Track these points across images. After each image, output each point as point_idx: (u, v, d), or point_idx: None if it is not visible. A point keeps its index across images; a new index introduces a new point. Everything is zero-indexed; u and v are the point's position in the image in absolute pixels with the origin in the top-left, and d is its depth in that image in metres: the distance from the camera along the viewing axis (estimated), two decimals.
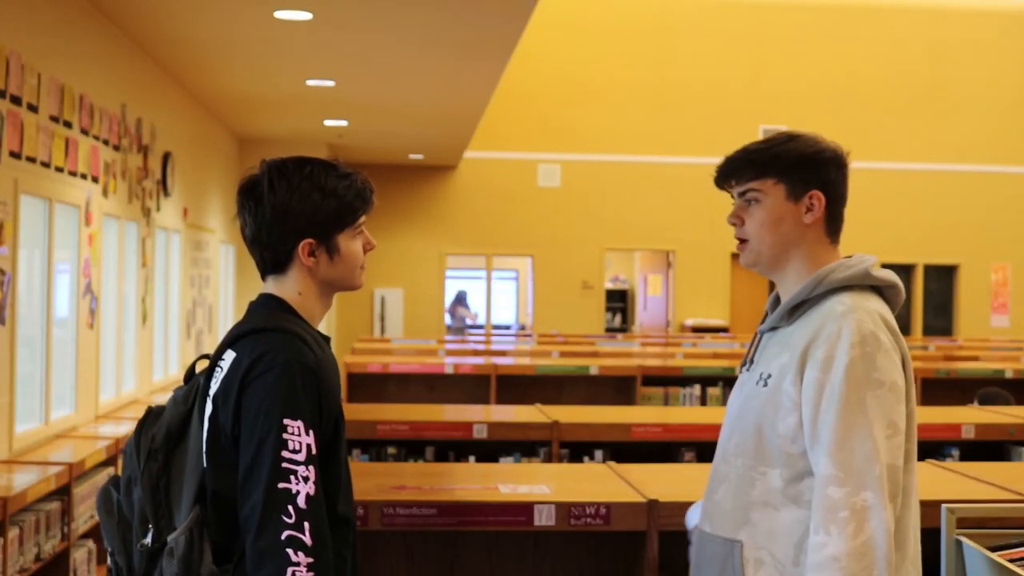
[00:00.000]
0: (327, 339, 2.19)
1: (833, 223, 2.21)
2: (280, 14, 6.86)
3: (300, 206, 2.09)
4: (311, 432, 1.97)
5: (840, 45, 15.95)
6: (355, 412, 4.64)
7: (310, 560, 1.91)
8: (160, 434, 2.10)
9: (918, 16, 16.10)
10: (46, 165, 5.81)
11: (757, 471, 2.10)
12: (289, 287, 2.14)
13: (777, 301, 2.26)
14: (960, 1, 16.17)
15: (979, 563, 2.21)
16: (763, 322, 2.26)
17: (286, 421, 1.96)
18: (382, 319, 15.70)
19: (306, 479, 1.94)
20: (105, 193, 6.99)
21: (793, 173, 2.16)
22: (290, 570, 1.90)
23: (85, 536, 5.46)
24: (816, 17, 15.92)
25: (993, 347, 11.42)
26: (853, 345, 2.03)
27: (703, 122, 15.80)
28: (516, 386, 6.46)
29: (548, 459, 4.35)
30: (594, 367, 6.51)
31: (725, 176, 2.23)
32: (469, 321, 16.80)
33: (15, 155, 5.35)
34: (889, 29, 16.05)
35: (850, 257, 2.20)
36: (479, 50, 7.98)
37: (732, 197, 2.23)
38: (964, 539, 2.28)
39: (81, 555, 5.32)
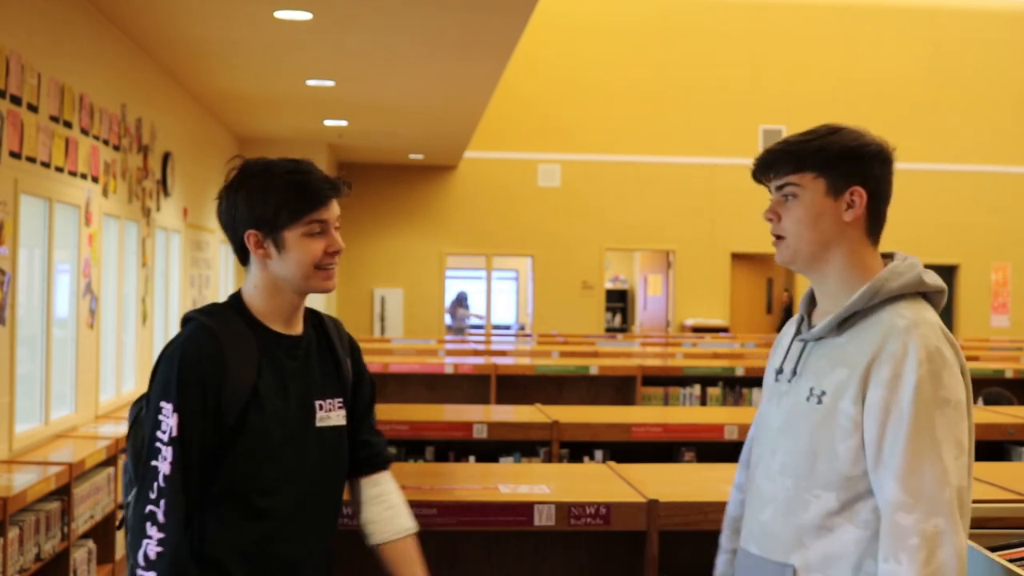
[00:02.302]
0: (291, 338, 2.22)
1: (875, 222, 2.11)
2: (280, 14, 6.86)
3: (248, 197, 2.18)
4: (175, 415, 2.08)
5: (840, 45, 15.95)
6: None
7: (160, 536, 2.05)
8: (145, 405, 2.23)
9: (918, 16, 16.10)
10: (46, 165, 5.81)
11: (811, 493, 2.00)
12: (249, 281, 2.26)
13: (811, 301, 2.16)
14: (961, 1, 16.17)
15: (979, 563, 2.21)
16: (800, 328, 2.15)
17: (161, 403, 2.11)
18: (382, 319, 15.70)
19: (165, 459, 2.07)
20: (105, 193, 6.99)
21: (834, 167, 2.06)
22: (144, 542, 2.05)
23: (85, 536, 5.46)
24: (816, 17, 15.93)
25: (993, 347, 11.43)
26: (920, 363, 1.93)
27: (703, 122, 15.80)
28: (516, 386, 6.46)
29: (548, 459, 4.35)
30: (594, 367, 6.50)
31: (763, 169, 2.12)
32: (474, 320, 16.79)
33: (15, 155, 5.35)
34: (889, 29, 16.05)
35: (891, 257, 2.12)
36: (479, 50, 7.98)
37: (770, 191, 2.13)
38: None
39: (81, 555, 5.32)
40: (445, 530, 2.82)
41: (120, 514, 2.40)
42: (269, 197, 2.16)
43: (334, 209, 2.20)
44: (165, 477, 2.06)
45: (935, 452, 1.91)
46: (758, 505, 2.10)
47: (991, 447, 4.54)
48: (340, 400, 2.28)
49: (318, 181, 2.18)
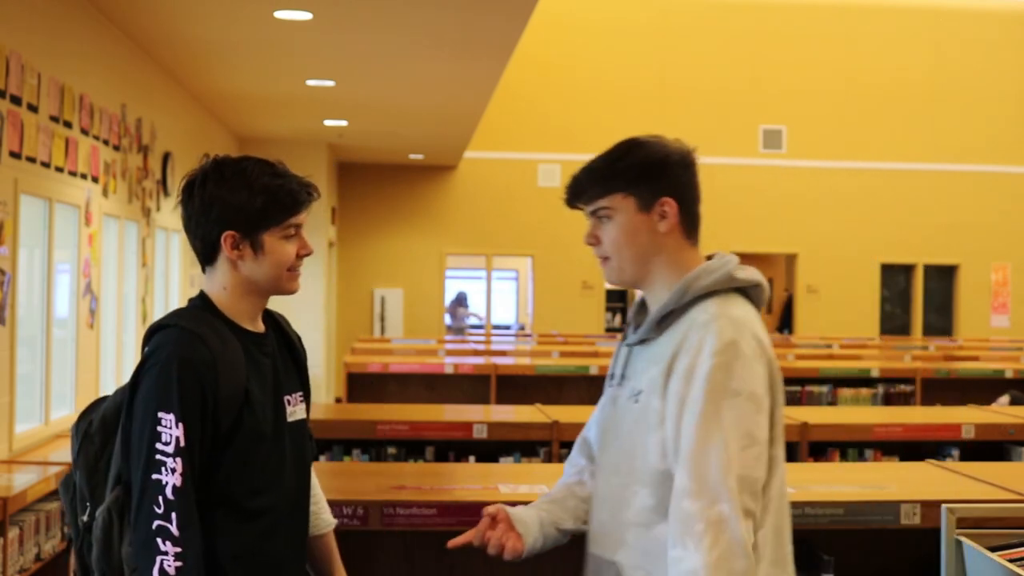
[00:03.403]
0: (260, 336, 2.22)
1: (690, 224, 2.15)
2: (280, 14, 6.86)
3: (227, 198, 2.16)
4: (180, 425, 2.03)
5: (840, 45, 15.95)
6: (355, 412, 4.65)
7: (177, 550, 1.99)
8: (96, 419, 2.19)
9: (919, 16, 16.09)
10: (46, 165, 5.81)
11: (631, 490, 2.07)
12: (216, 281, 2.22)
13: (642, 309, 2.22)
14: (961, 1, 16.17)
15: (979, 563, 2.21)
16: (626, 335, 2.22)
17: (160, 414, 2.04)
18: (382, 319, 15.69)
19: (173, 471, 2.01)
20: (105, 193, 6.99)
21: (640, 184, 2.11)
22: (159, 559, 1.98)
23: None
24: (816, 17, 15.92)
25: (993, 347, 11.42)
26: (714, 354, 1.98)
27: (703, 122, 15.79)
28: (516, 386, 6.46)
29: (548, 459, 4.35)
30: (594, 367, 6.50)
31: (574, 197, 2.17)
32: (473, 320, 16.79)
33: (15, 155, 5.35)
34: (890, 29, 16.05)
35: (711, 258, 2.16)
36: (479, 50, 7.99)
37: (586, 216, 2.18)
38: (964, 539, 2.28)
39: None
40: (445, 530, 2.82)
41: (67, 530, 2.36)
42: (252, 200, 2.15)
43: (306, 213, 2.23)
44: (175, 489, 2.00)
45: (721, 440, 1.95)
46: (597, 505, 2.17)
47: (991, 447, 4.54)
48: (301, 394, 2.31)
49: (298, 185, 2.19)
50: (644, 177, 2.12)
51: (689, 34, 15.78)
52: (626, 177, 2.12)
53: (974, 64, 16.15)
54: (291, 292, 2.25)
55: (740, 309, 2.09)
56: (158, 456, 2.02)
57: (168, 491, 2.00)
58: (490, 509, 2.23)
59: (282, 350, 2.30)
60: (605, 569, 2.10)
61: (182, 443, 2.02)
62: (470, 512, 2.77)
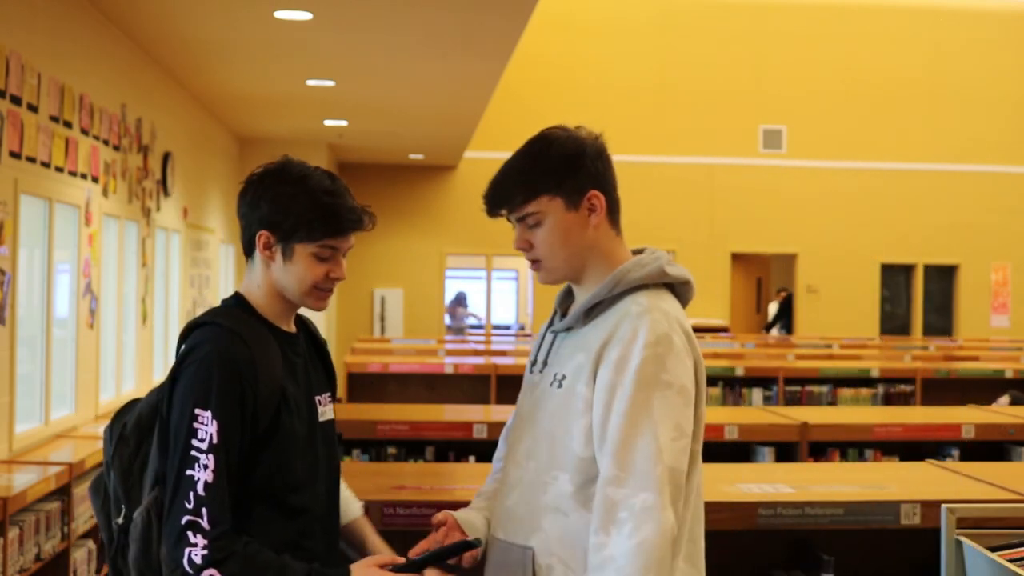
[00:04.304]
0: (293, 336, 2.23)
1: (614, 213, 2.14)
2: (280, 14, 6.86)
3: (275, 198, 2.15)
4: (215, 422, 2.03)
5: (840, 45, 15.95)
6: (355, 412, 4.65)
7: (206, 542, 1.99)
8: (131, 421, 2.19)
9: (918, 16, 16.10)
10: (46, 165, 5.81)
11: (549, 475, 2.05)
12: (253, 278, 2.22)
13: (568, 297, 2.20)
14: (960, 1, 16.17)
15: (979, 563, 2.21)
16: (552, 321, 2.20)
17: (197, 411, 2.04)
18: (382, 319, 15.70)
19: (206, 467, 2.02)
20: (105, 193, 6.99)
21: (565, 183, 2.08)
22: (187, 551, 1.99)
23: (85, 536, 5.46)
24: (816, 17, 15.93)
25: (993, 347, 11.43)
26: (646, 346, 1.98)
27: (703, 122, 15.80)
28: (516, 386, 6.41)
29: None
30: None
31: (496, 205, 2.15)
32: (471, 320, 16.79)
33: (15, 155, 5.35)
34: (889, 29, 16.06)
35: (641, 251, 2.15)
36: (479, 50, 7.99)
37: (510, 222, 2.15)
38: (964, 539, 2.28)
39: (81, 555, 5.32)
40: None
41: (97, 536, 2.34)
42: (294, 207, 2.13)
43: (350, 240, 2.21)
44: (206, 485, 2.01)
45: (651, 431, 1.95)
46: (505, 491, 2.15)
47: (991, 447, 4.54)
48: (329, 395, 2.32)
49: (346, 211, 2.17)
50: (567, 175, 2.09)
51: (689, 34, 15.78)
52: (549, 178, 2.09)
53: (974, 64, 16.16)
54: (315, 310, 2.25)
55: (671, 304, 2.09)
56: (192, 452, 2.02)
57: (200, 487, 2.01)
58: (438, 517, 2.20)
59: (311, 351, 2.31)
60: (514, 554, 2.07)
61: (216, 440, 2.03)
62: None
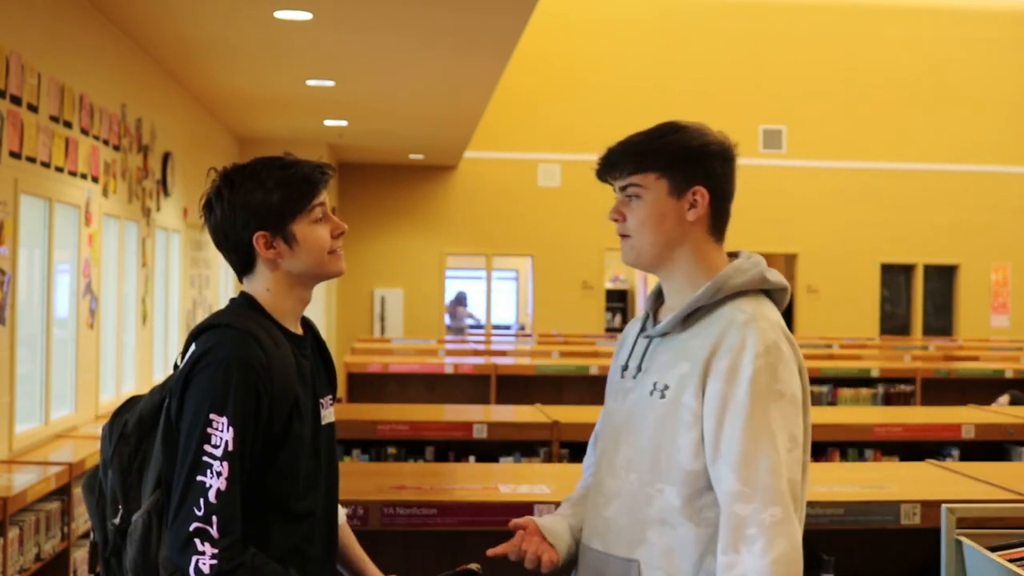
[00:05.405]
0: (301, 338, 2.21)
1: (718, 220, 2.11)
2: (280, 14, 6.86)
3: (246, 202, 2.14)
4: (231, 428, 2.00)
5: (840, 45, 15.95)
6: (355, 412, 4.65)
7: (215, 551, 1.95)
8: (132, 419, 2.15)
9: (918, 16, 16.09)
10: (46, 165, 5.81)
11: (654, 488, 2.00)
12: (259, 284, 2.19)
13: (658, 298, 2.17)
14: (960, 1, 16.17)
15: (979, 563, 2.21)
16: (644, 326, 2.15)
17: (212, 416, 2.00)
18: (382, 319, 15.69)
19: (219, 474, 1.98)
20: (105, 193, 6.99)
21: (676, 168, 2.07)
22: (195, 559, 1.95)
23: (85, 536, 5.46)
24: (816, 17, 15.92)
25: (993, 347, 11.42)
26: (757, 356, 1.94)
27: (703, 122, 15.78)
28: (516, 386, 6.46)
29: (548, 459, 4.35)
30: (594, 367, 6.50)
31: (607, 168, 2.13)
32: (470, 320, 16.79)
33: (15, 155, 5.35)
34: (889, 29, 16.05)
35: (736, 256, 2.12)
36: (479, 50, 7.98)
37: (614, 191, 2.13)
38: (964, 539, 2.28)
39: (81, 555, 5.32)
40: (445, 530, 2.82)
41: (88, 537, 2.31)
42: (270, 195, 2.14)
43: (325, 194, 2.22)
44: (219, 492, 1.96)
45: (771, 443, 1.92)
46: (602, 501, 2.10)
47: (991, 447, 4.54)
48: (331, 397, 2.31)
49: (309, 168, 2.18)
50: (680, 161, 2.07)
51: (689, 34, 15.77)
52: (662, 158, 2.08)
53: (974, 64, 16.15)
54: (338, 274, 2.23)
55: (773, 311, 2.06)
56: (205, 458, 1.98)
57: (211, 494, 1.96)
58: (519, 522, 2.17)
59: (315, 352, 2.29)
60: (617, 566, 2.03)
61: (231, 447, 1.99)
62: (470, 512, 2.77)
